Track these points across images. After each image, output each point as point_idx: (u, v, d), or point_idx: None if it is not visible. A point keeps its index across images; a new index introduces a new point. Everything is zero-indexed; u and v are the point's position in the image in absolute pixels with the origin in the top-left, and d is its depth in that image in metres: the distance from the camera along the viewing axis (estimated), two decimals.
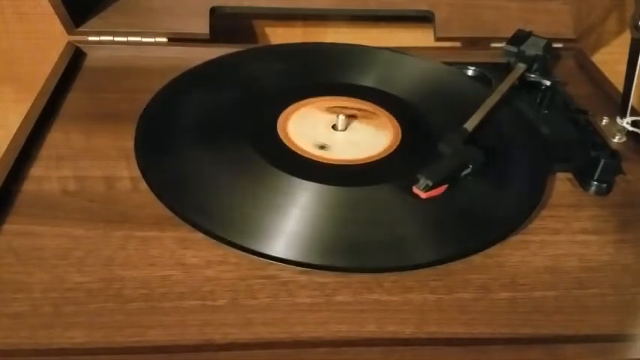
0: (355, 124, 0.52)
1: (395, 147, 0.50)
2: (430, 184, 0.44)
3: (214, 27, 0.65)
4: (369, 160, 0.48)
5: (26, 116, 0.51)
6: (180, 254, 0.41)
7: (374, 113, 0.54)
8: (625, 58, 0.53)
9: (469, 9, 0.68)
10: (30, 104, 0.53)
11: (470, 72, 0.62)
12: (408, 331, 0.37)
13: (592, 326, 0.38)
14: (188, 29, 0.64)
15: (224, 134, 0.50)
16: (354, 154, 0.49)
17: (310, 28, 0.75)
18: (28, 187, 0.46)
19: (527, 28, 0.63)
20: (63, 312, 0.37)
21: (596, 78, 0.64)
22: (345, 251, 0.41)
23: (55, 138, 0.51)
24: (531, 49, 0.61)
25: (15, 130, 0.50)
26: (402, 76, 0.60)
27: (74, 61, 0.61)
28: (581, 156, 0.51)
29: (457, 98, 0.57)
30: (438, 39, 0.68)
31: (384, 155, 0.49)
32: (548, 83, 0.58)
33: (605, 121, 0.56)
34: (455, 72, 0.61)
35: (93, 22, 0.64)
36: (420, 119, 0.53)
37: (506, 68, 0.60)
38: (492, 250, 0.42)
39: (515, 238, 0.44)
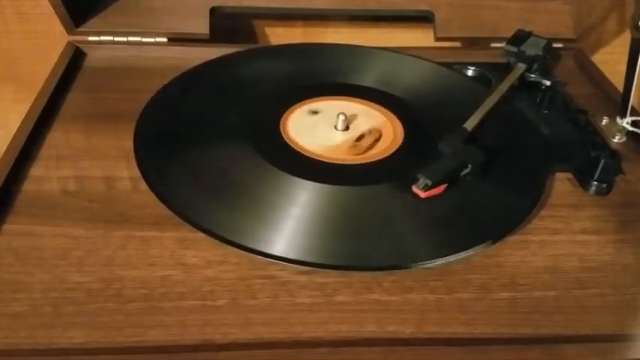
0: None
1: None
2: (429, 183, 0.44)
3: (214, 27, 0.65)
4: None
5: (26, 116, 0.51)
6: (180, 254, 0.41)
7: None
8: (625, 58, 0.53)
9: (469, 9, 0.68)
10: (30, 104, 0.53)
11: (470, 72, 0.62)
12: (408, 331, 0.37)
13: (592, 326, 0.38)
14: (188, 29, 0.64)
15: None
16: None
17: (310, 28, 0.75)
18: (28, 187, 0.46)
19: (527, 28, 0.63)
20: (63, 312, 0.37)
21: (596, 78, 0.64)
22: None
23: (55, 138, 0.51)
24: (531, 49, 0.61)
25: (15, 130, 0.50)
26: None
27: (74, 61, 0.61)
28: (581, 156, 0.51)
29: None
30: (438, 39, 0.68)
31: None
32: (548, 83, 0.58)
33: (605, 121, 0.56)
34: (455, 72, 0.61)
35: (93, 22, 0.64)
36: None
37: (506, 68, 0.60)
38: (492, 250, 0.43)
39: (514, 238, 0.44)
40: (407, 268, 0.40)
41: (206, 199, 0.44)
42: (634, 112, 0.55)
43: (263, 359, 0.35)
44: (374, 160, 0.48)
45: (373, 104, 0.55)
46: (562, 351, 0.36)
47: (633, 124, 0.54)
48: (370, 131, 0.51)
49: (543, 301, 0.39)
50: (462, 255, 0.41)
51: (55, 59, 0.60)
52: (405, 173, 0.45)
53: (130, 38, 0.64)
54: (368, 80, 0.58)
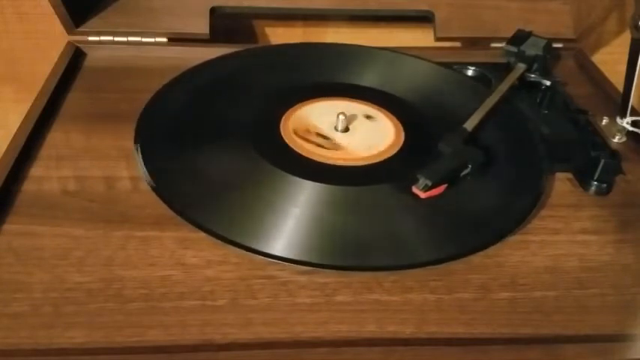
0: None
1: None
2: (429, 183, 0.44)
3: (214, 27, 0.65)
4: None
5: (26, 116, 0.51)
6: (180, 254, 0.41)
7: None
8: (625, 58, 0.53)
9: (469, 9, 0.68)
10: (30, 104, 0.53)
11: (470, 72, 0.62)
12: (408, 331, 0.37)
13: (592, 326, 0.38)
14: (188, 29, 0.64)
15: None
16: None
17: (310, 28, 0.75)
18: (28, 187, 0.46)
19: (527, 28, 0.63)
20: (63, 312, 0.37)
21: (596, 78, 0.64)
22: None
23: (55, 138, 0.51)
24: (531, 49, 0.61)
25: (15, 130, 0.50)
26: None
27: (74, 61, 0.61)
28: (581, 156, 0.51)
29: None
30: (438, 39, 0.68)
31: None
32: (548, 83, 0.58)
33: (605, 121, 0.56)
34: (455, 72, 0.61)
35: (93, 22, 0.64)
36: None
37: (506, 68, 0.60)
38: (492, 250, 0.42)
39: (514, 238, 0.44)
40: (407, 268, 0.40)
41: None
42: (634, 112, 0.55)
43: (263, 359, 0.35)
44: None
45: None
46: (562, 351, 0.36)
47: (633, 124, 0.54)
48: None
49: (543, 301, 0.39)
50: (462, 255, 0.41)
51: (55, 59, 0.60)
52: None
53: (130, 38, 0.64)
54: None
